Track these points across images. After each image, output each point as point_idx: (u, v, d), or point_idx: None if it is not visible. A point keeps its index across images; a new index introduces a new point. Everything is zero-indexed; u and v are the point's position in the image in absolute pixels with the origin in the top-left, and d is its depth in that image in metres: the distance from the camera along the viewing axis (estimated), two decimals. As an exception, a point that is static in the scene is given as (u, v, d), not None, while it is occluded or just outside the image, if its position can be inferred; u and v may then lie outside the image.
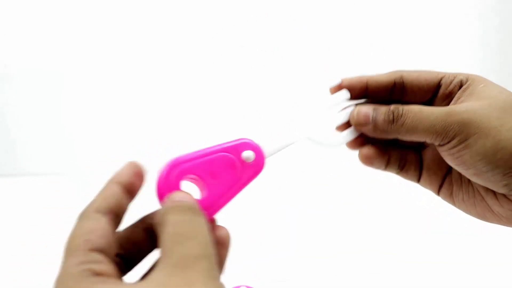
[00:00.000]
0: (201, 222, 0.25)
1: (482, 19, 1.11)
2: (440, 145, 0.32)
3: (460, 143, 0.30)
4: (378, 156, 0.35)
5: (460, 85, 0.34)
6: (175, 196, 0.27)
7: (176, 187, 0.28)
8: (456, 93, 0.34)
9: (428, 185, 0.36)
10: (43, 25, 1.06)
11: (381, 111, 0.33)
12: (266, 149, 0.31)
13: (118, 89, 1.09)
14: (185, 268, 0.22)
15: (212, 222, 0.29)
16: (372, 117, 0.33)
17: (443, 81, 0.35)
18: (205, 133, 1.06)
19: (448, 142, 0.31)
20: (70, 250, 0.23)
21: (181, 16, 1.07)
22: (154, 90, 1.09)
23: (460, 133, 0.30)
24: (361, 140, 0.35)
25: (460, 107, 0.31)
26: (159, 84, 1.09)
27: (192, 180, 0.29)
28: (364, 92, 0.35)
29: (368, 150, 0.35)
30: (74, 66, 1.08)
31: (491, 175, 0.30)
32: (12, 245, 0.60)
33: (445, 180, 0.36)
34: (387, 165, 0.36)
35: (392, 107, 0.33)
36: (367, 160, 0.35)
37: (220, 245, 0.28)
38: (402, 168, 0.36)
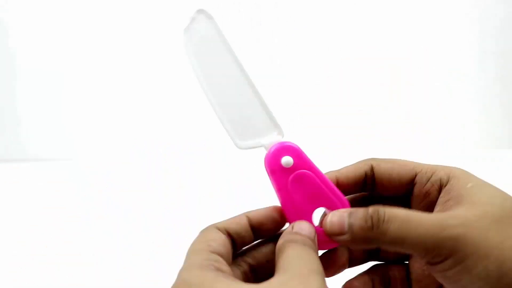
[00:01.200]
0: (314, 253, 0.27)
1: (482, 19, 1.11)
2: (430, 263, 0.27)
3: (456, 264, 0.25)
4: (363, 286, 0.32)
5: (440, 185, 0.30)
6: (299, 227, 0.29)
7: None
8: (434, 194, 0.30)
9: None
10: (47, 22, 1.07)
11: (358, 216, 0.27)
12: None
13: (123, 78, 1.10)
14: (301, 277, 0.24)
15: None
16: (348, 224, 0.27)
17: (417, 179, 0.31)
18: (202, 123, 1.07)
19: (441, 262, 0.26)
20: (194, 251, 0.26)
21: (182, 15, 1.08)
22: (157, 81, 1.10)
23: (455, 252, 0.25)
24: (341, 262, 0.32)
25: (453, 219, 0.26)
26: (162, 74, 1.10)
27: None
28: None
29: (354, 282, 0.33)
30: (79, 57, 1.10)
31: None
32: (18, 231, 0.61)
33: None
34: None
35: (371, 210, 0.27)
36: None
37: None
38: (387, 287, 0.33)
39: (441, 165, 0.31)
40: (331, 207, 0.30)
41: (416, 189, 0.31)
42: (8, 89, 1.11)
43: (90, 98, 1.11)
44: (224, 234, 0.28)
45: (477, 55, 1.13)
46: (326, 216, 0.29)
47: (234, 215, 0.30)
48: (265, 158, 0.31)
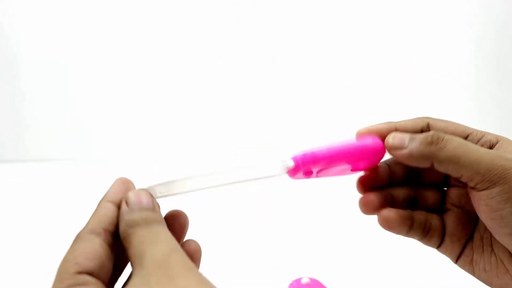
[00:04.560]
0: (163, 230, 0.25)
1: (479, 19, 1.12)
2: (476, 189, 0.28)
3: (502, 193, 0.27)
4: (400, 220, 0.32)
5: (489, 145, 0.31)
6: (134, 200, 0.26)
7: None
8: None
9: (447, 252, 0.33)
10: (49, 23, 1.08)
11: (420, 136, 0.30)
12: None
13: (128, 77, 1.10)
14: (159, 266, 0.22)
15: None
16: (409, 139, 0.30)
17: (470, 138, 0.32)
18: (211, 120, 1.07)
19: (488, 188, 0.27)
20: (59, 274, 0.23)
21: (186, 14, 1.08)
22: (164, 78, 1.11)
23: (504, 182, 0.27)
24: (381, 201, 0.33)
25: (508, 153, 0.28)
26: (170, 72, 1.10)
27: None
28: None
29: (389, 212, 0.32)
30: (82, 55, 1.10)
31: None
32: (21, 232, 0.61)
33: (465, 246, 0.33)
34: (409, 231, 0.33)
35: (431, 132, 0.30)
36: (387, 225, 0.32)
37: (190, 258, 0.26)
38: (426, 234, 0.33)
39: (491, 132, 0.32)
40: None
41: None
42: (8, 89, 1.11)
43: (92, 97, 1.11)
44: (98, 237, 0.25)
45: (474, 55, 1.13)
46: (388, 134, 0.31)
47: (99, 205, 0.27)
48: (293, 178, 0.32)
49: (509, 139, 0.32)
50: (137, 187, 0.29)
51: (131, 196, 0.26)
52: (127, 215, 0.26)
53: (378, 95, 1.12)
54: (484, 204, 0.28)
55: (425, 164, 0.30)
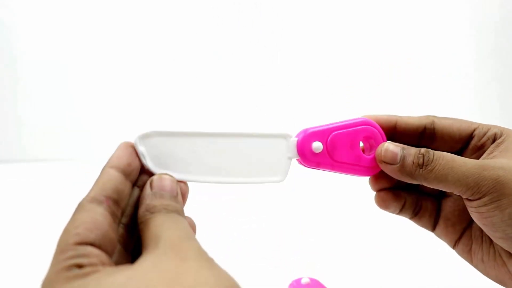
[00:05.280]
0: (182, 219, 0.25)
1: (479, 19, 1.12)
2: (469, 200, 0.29)
3: (491, 202, 0.28)
4: (394, 199, 0.34)
5: (494, 138, 0.32)
6: (159, 185, 0.26)
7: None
8: (488, 147, 0.32)
9: (443, 236, 0.34)
10: (48, 25, 1.08)
11: (411, 152, 0.30)
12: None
13: (128, 77, 1.10)
14: (174, 247, 0.22)
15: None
16: (400, 156, 0.30)
17: (476, 132, 0.32)
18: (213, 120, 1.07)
19: (479, 199, 0.28)
20: (59, 246, 0.22)
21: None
22: (164, 78, 1.11)
23: (493, 191, 0.28)
24: (391, 195, 0.34)
25: (495, 163, 0.29)
26: (171, 72, 1.10)
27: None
28: (391, 132, 0.33)
29: (385, 194, 0.34)
30: (86, 54, 1.10)
31: None
32: (21, 232, 0.61)
33: (463, 234, 0.33)
34: (401, 210, 0.34)
35: (423, 150, 0.30)
36: (382, 203, 0.34)
37: None
38: (416, 214, 0.34)
39: (497, 125, 0.33)
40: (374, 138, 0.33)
41: (473, 142, 0.33)
42: (9, 89, 1.11)
43: (92, 98, 1.11)
44: (100, 206, 0.24)
45: (474, 55, 1.13)
46: (380, 145, 0.32)
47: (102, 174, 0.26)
48: (300, 163, 0.33)
49: None
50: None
51: (155, 180, 0.26)
52: (148, 199, 0.25)
53: (378, 95, 1.12)
54: (475, 211, 0.29)
55: (413, 182, 0.31)
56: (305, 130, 0.32)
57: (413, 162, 0.30)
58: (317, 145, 0.32)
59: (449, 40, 1.12)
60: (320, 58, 1.11)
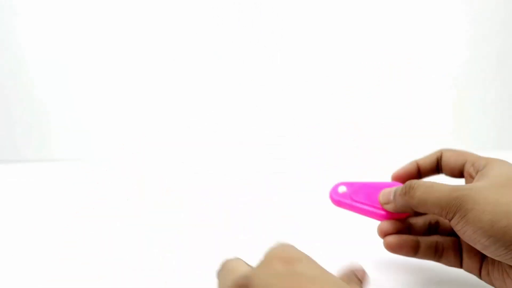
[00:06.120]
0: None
1: (479, 19, 1.12)
2: (448, 220, 0.33)
3: (461, 218, 0.31)
4: (403, 244, 0.37)
5: (477, 169, 0.36)
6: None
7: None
8: (474, 176, 0.36)
9: (470, 269, 0.36)
10: (48, 26, 1.08)
11: (399, 188, 0.36)
12: None
13: (128, 78, 1.10)
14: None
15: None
16: (393, 194, 0.37)
17: (466, 165, 0.37)
18: (212, 123, 1.07)
19: (452, 218, 0.32)
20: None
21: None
22: (165, 78, 1.11)
23: (460, 209, 0.31)
24: (392, 228, 0.38)
25: (465, 185, 0.33)
26: (171, 72, 1.10)
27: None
28: (418, 174, 0.40)
29: (392, 238, 0.37)
30: (87, 54, 1.10)
31: (494, 249, 0.30)
32: (21, 232, 0.62)
33: (484, 260, 0.35)
34: (417, 253, 0.37)
35: (407, 182, 0.35)
36: (390, 248, 0.37)
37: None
38: (441, 255, 0.37)
39: (488, 157, 0.37)
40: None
41: (465, 172, 0.38)
42: (9, 89, 1.11)
43: (93, 98, 1.11)
44: None
45: (474, 55, 1.13)
46: (381, 192, 0.38)
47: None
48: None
49: (498, 160, 0.35)
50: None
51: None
52: None
53: (378, 95, 1.12)
54: (456, 230, 0.32)
55: (408, 211, 0.36)
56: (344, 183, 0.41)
57: (401, 194, 0.35)
58: (342, 188, 0.40)
59: (449, 40, 1.12)
60: (320, 58, 1.11)
